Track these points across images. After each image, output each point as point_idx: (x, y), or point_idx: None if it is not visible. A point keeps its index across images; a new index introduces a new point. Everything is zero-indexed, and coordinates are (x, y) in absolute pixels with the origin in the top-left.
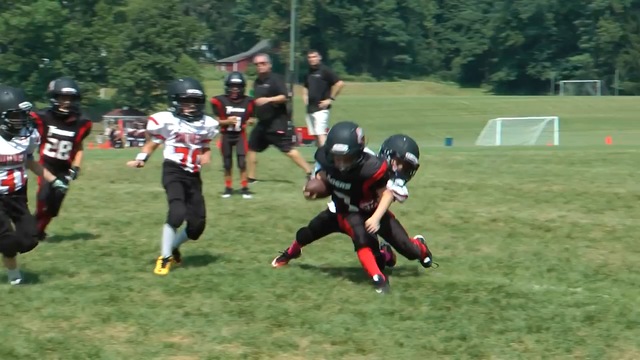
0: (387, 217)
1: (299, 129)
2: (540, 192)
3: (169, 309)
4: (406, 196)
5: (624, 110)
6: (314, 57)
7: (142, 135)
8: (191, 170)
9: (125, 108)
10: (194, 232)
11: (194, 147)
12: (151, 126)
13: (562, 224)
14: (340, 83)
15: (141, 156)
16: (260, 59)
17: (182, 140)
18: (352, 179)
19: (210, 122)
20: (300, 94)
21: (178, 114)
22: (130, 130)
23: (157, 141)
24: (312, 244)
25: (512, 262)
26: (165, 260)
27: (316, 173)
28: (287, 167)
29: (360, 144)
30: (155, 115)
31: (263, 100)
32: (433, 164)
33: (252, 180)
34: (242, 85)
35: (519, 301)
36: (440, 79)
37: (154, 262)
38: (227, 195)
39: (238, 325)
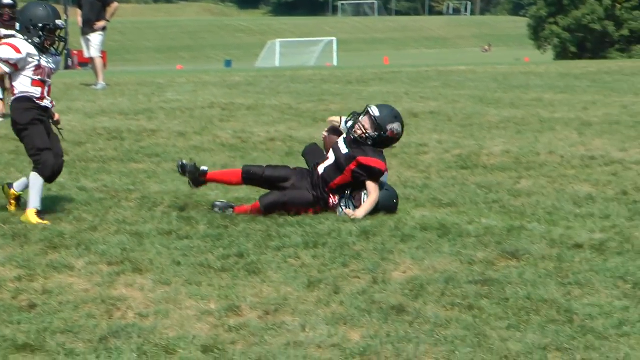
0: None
1: (74, 52)
2: (317, 112)
3: None
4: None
5: (401, 31)
6: None
7: None
8: (49, 106)
9: None
10: (55, 174)
11: (49, 82)
12: (10, 54)
13: None
14: (115, 5)
15: None
16: None
17: (41, 74)
18: (350, 148)
19: (56, 57)
20: (75, 16)
21: (39, 45)
22: None
23: (8, 70)
24: (88, 165)
25: None
26: (39, 212)
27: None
28: (62, 90)
29: (384, 126)
30: (14, 42)
31: None
32: (211, 85)
33: None
34: (13, 7)
35: (296, 218)
36: (219, 1)
37: None
38: (1, 120)
39: (12, 248)
